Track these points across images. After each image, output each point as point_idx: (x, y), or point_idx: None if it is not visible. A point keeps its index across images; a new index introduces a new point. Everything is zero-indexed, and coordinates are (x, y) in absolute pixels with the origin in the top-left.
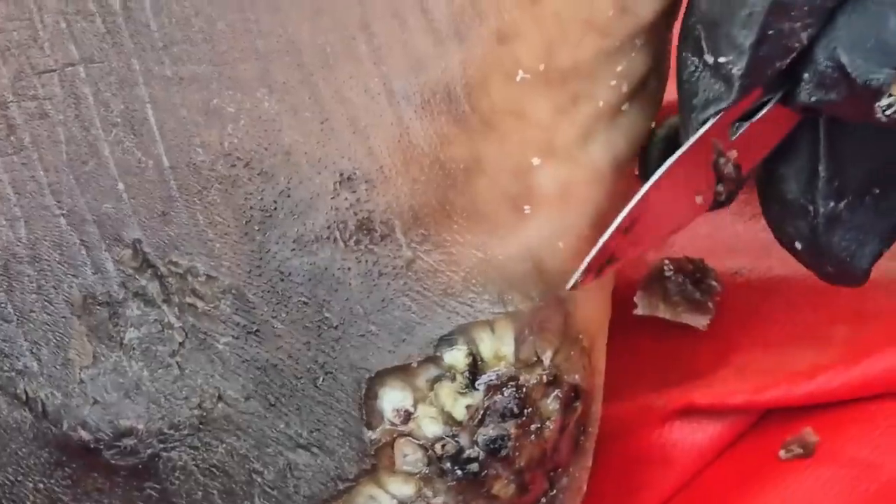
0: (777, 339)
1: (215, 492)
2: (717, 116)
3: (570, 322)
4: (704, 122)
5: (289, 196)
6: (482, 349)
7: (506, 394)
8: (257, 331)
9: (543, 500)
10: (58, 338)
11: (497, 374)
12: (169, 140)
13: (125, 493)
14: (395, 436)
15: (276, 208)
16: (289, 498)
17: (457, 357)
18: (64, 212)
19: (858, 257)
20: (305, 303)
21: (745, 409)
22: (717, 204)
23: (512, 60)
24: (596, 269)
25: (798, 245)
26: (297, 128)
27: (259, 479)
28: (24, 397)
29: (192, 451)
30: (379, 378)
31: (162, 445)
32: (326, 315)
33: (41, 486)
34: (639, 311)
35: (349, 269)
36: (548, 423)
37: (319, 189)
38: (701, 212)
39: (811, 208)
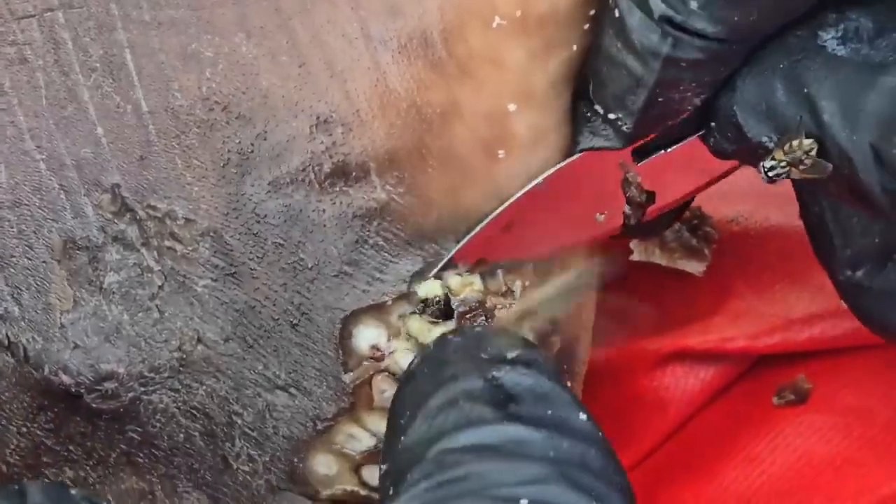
0: (773, 286)
1: (196, 433)
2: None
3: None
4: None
5: (265, 139)
6: (450, 281)
7: (477, 321)
8: (235, 273)
9: None
10: (38, 282)
11: (465, 300)
12: (147, 84)
13: (107, 436)
14: (372, 372)
15: (252, 151)
16: (268, 439)
17: (428, 288)
18: (44, 156)
19: (894, 321)
20: (281, 244)
21: (740, 354)
22: (629, 228)
23: (489, 7)
24: (467, 258)
25: (854, 311)
26: (275, 71)
27: (239, 421)
28: (5, 342)
29: (172, 394)
30: (354, 317)
31: (143, 388)
32: (301, 256)
33: (24, 430)
34: (635, 257)
35: (324, 210)
36: None
37: (296, 132)
38: (605, 230)
39: (838, 277)
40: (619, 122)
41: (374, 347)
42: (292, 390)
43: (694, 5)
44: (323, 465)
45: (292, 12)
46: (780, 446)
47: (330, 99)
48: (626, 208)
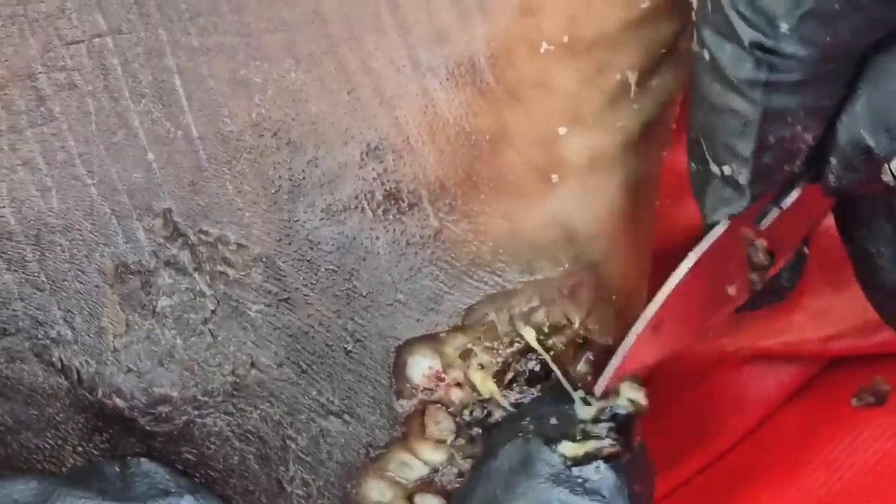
0: (852, 284)
1: (251, 456)
2: (728, 222)
3: (602, 284)
4: (718, 222)
5: (316, 166)
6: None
7: (532, 357)
8: (288, 298)
9: None
10: (91, 306)
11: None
12: (197, 110)
13: (163, 456)
14: (424, 403)
15: (304, 178)
16: (322, 464)
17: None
18: (94, 181)
19: None
20: (335, 271)
21: (817, 356)
22: (755, 294)
23: (536, 32)
24: (622, 374)
25: None
26: (324, 98)
27: (293, 445)
28: (59, 365)
29: (226, 417)
30: (408, 346)
31: (196, 412)
32: (355, 283)
33: (80, 449)
34: None
35: (377, 238)
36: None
37: (347, 159)
38: (736, 302)
39: None
40: (736, 175)
41: (428, 378)
42: (346, 417)
43: (784, 28)
44: (376, 491)
45: (340, 39)
46: (858, 449)
47: (380, 126)
48: (753, 275)
